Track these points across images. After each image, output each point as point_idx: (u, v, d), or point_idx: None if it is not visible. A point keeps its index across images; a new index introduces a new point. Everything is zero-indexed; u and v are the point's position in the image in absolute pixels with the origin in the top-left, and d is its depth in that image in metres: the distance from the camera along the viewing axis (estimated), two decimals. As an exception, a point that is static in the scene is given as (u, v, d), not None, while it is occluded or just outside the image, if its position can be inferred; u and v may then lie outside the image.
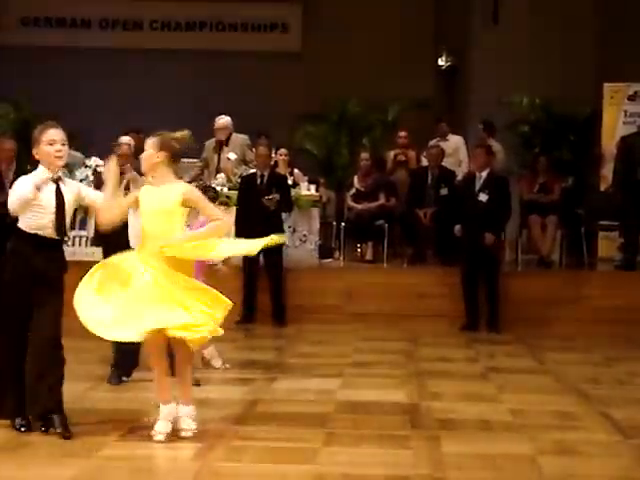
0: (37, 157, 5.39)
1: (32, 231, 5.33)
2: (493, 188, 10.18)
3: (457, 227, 10.27)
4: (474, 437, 5.62)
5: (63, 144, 5.36)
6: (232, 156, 11.22)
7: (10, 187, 10.48)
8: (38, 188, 5.28)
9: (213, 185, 10.63)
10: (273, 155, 11.34)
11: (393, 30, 16.16)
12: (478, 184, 10.25)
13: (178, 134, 5.46)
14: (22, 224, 5.35)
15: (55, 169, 5.36)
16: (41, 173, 5.35)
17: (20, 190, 5.28)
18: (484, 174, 10.27)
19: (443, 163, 11.78)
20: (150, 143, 5.40)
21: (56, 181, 5.38)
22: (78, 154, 12.23)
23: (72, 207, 5.50)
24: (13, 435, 5.42)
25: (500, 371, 7.95)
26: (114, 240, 9.92)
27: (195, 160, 11.53)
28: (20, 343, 5.34)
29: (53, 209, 5.34)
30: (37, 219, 5.32)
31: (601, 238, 12.20)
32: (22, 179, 5.38)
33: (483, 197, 10.16)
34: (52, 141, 5.31)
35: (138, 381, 6.95)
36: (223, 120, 11.48)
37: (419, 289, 10.70)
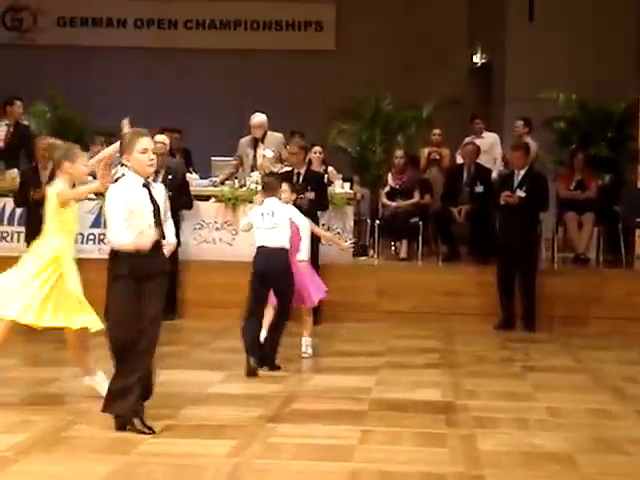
0: (127, 163, 5.46)
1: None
2: (531, 185, 10.11)
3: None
4: (511, 435, 5.59)
5: (154, 152, 5.52)
6: (268, 153, 11.23)
7: (47, 184, 10.70)
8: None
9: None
10: (308, 153, 11.33)
11: (427, 27, 16.13)
12: (516, 181, 10.19)
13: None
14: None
15: (146, 176, 5.45)
16: (132, 181, 5.42)
17: (123, 232, 5.36)
18: (522, 172, 10.21)
19: (477, 160, 11.72)
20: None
21: (146, 186, 5.46)
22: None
23: (163, 208, 5.56)
24: (54, 430, 5.47)
25: (536, 369, 7.91)
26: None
27: (229, 158, 11.57)
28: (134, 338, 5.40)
29: (150, 213, 5.41)
30: (137, 228, 5.38)
31: (638, 235, 12.06)
32: (115, 206, 5.40)
33: (520, 194, 10.09)
34: (145, 149, 5.40)
35: (174, 380, 6.98)
36: (259, 118, 11.51)
37: (454, 287, 10.67)
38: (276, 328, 7.67)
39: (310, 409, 6.20)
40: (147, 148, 5.41)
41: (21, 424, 5.59)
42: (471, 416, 6.06)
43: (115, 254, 5.47)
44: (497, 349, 9.06)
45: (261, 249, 7.55)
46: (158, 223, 5.43)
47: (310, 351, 8.20)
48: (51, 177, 10.49)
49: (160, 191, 5.57)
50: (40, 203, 10.34)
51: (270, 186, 7.84)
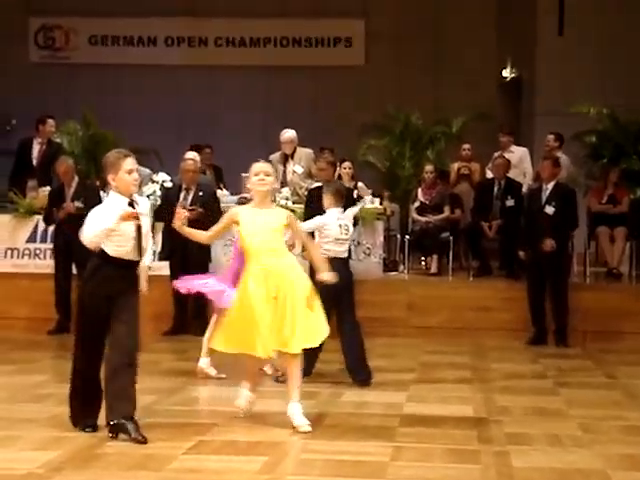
0: (112, 183, 5.62)
1: (116, 255, 5.60)
2: (560, 200, 10.05)
3: (521, 253, 10.17)
4: (544, 452, 5.54)
5: (137, 172, 5.71)
6: (298, 169, 11.27)
7: (72, 199, 10.77)
8: (124, 219, 5.51)
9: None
10: (337, 169, 11.35)
11: (456, 42, 16.13)
12: (544, 196, 10.13)
13: None
14: (107, 249, 5.60)
15: (130, 195, 5.63)
16: (117, 201, 5.60)
17: (100, 222, 5.48)
18: (550, 186, 10.15)
19: (507, 175, 11.68)
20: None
21: (131, 204, 5.63)
22: (146, 170, 12.44)
23: (148, 225, 5.79)
24: (86, 446, 5.49)
25: (569, 386, 7.84)
26: (181, 254, 10.14)
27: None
28: (98, 355, 5.67)
29: (134, 234, 5.61)
30: (121, 247, 5.59)
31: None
32: (97, 212, 5.60)
33: (549, 210, 10.03)
34: (130, 170, 5.61)
35: (206, 396, 6.99)
36: (289, 134, 11.55)
37: (485, 302, 10.62)
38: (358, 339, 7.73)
39: (342, 425, 6.19)
40: (132, 169, 5.61)
41: (53, 441, 5.62)
42: (503, 432, 6.02)
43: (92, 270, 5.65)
44: (529, 365, 9.00)
45: (340, 260, 7.50)
46: (138, 245, 5.61)
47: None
48: (75, 195, 10.66)
49: (144, 205, 5.79)
50: (64, 221, 10.55)
51: (341, 194, 7.72)
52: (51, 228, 11.12)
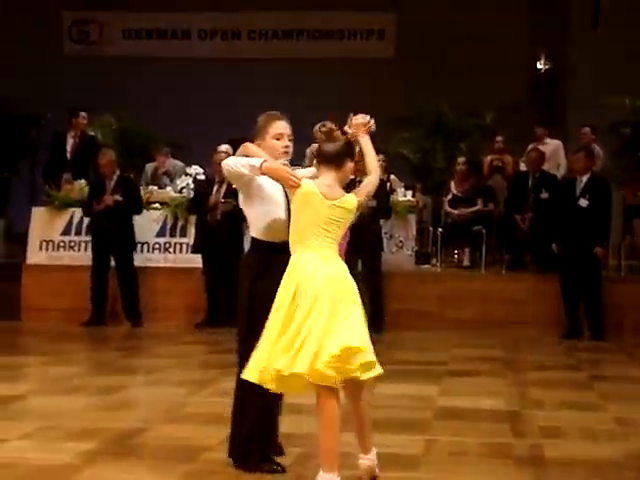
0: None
1: (268, 239, 4.64)
2: (594, 193, 9.97)
3: (554, 245, 10.11)
4: (578, 446, 5.51)
5: (290, 139, 4.79)
6: (333, 162, 11.25)
7: (112, 193, 10.88)
8: (264, 172, 4.45)
9: None
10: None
11: (489, 34, 16.02)
12: (578, 189, 10.06)
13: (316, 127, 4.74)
14: (256, 232, 4.68)
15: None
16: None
17: (246, 159, 4.54)
18: (584, 178, 10.07)
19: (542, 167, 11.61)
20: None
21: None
22: (179, 162, 12.51)
23: None
24: (120, 437, 5.53)
25: (603, 379, 7.79)
26: (214, 246, 10.18)
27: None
28: None
29: (281, 205, 4.63)
30: (271, 221, 4.61)
31: None
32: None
33: (583, 203, 9.95)
34: (280, 135, 4.73)
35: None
36: (325, 127, 11.54)
37: (518, 295, 10.58)
38: None
39: (373, 418, 6.16)
40: (282, 133, 4.75)
41: (88, 432, 5.66)
42: (537, 426, 5.99)
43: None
44: (563, 358, 8.95)
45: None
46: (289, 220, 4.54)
47: None
48: (115, 189, 10.74)
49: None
50: (103, 214, 10.65)
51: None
52: (86, 221, 11.21)
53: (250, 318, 4.59)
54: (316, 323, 4.28)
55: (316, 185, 4.47)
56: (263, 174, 4.50)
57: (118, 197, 10.58)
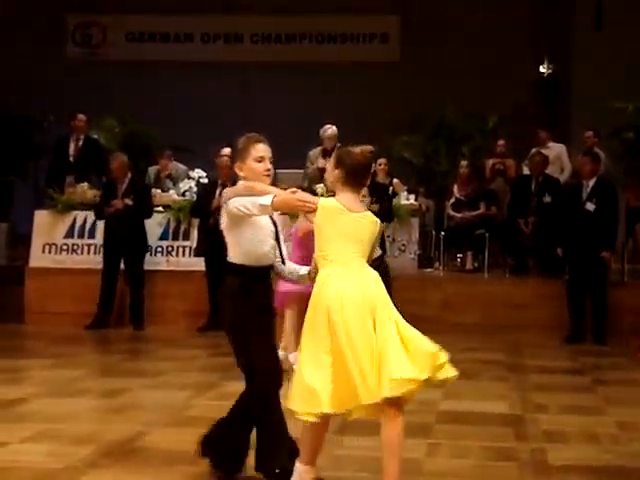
0: (240, 173, 4.73)
1: (252, 263, 4.64)
2: (600, 197, 9.95)
3: (559, 250, 10.11)
4: (581, 450, 5.50)
5: (271, 162, 4.79)
6: (336, 166, 11.25)
7: (123, 196, 10.87)
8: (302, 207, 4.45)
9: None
10: (372, 165, 11.33)
11: (492, 38, 16.04)
12: (585, 193, 10.04)
13: (358, 149, 4.67)
14: (239, 257, 4.65)
15: None
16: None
17: (252, 199, 4.50)
18: (591, 182, 10.06)
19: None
20: (332, 157, 4.69)
21: None
22: (182, 166, 12.51)
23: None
24: (122, 441, 5.53)
25: (606, 383, 7.78)
26: (217, 250, 10.18)
27: (297, 170, 11.61)
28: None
29: (269, 230, 4.70)
30: (258, 246, 4.64)
31: None
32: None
33: (590, 207, 9.93)
34: (261, 158, 4.69)
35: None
36: (332, 130, 11.57)
37: (521, 300, 10.56)
38: None
39: (376, 421, 6.16)
40: (264, 157, 4.71)
41: (91, 435, 5.66)
42: (540, 430, 5.99)
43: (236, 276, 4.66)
44: (566, 362, 8.94)
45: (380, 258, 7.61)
46: (279, 243, 4.74)
47: None
48: (126, 192, 10.75)
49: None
50: (114, 217, 10.65)
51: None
52: (89, 224, 11.23)
53: (254, 336, 4.63)
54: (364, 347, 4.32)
55: (337, 200, 4.48)
56: (275, 210, 4.55)
57: (128, 201, 10.58)
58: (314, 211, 4.42)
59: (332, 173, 4.59)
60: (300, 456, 4.58)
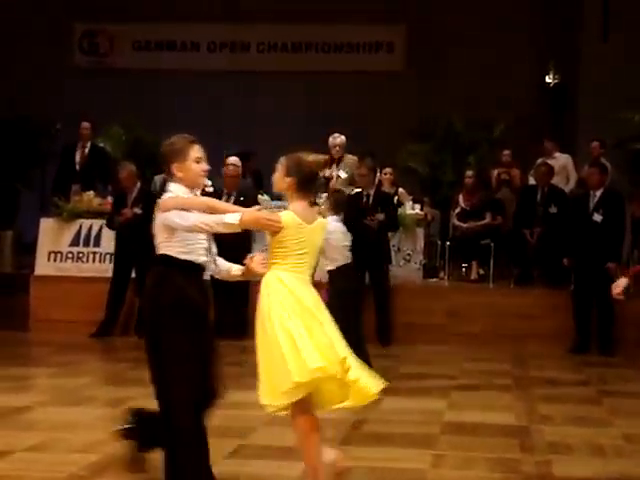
0: (178, 174, 4.71)
1: (183, 257, 4.66)
2: (608, 208, 9.94)
3: (565, 260, 10.10)
4: (586, 462, 5.49)
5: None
6: (342, 174, 11.28)
7: (132, 206, 10.87)
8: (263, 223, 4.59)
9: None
10: (378, 174, 11.35)
11: (498, 48, 16.03)
12: (592, 203, 10.03)
13: (311, 157, 4.77)
14: (171, 250, 4.67)
15: (198, 189, 4.83)
16: (181, 192, 4.69)
17: (216, 217, 4.58)
18: (598, 193, 10.04)
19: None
20: (280, 163, 4.76)
21: None
22: (188, 174, 12.48)
23: None
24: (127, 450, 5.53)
25: (612, 395, 7.76)
26: (223, 258, 10.17)
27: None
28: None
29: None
30: (191, 242, 4.67)
31: None
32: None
33: (597, 217, 9.92)
34: (199, 158, 4.73)
35: (245, 401, 7.00)
36: (340, 138, 11.58)
37: (526, 310, 10.54)
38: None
39: (381, 432, 6.17)
40: (201, 157, 4.76)
41: (96, 444, 5.65)
42: (545, 441, 5.97)
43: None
44: (572, 373, 8.92)
45: (349, 266, 7.56)
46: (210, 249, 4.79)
47: None
48: (135, 201, 10.76)
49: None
50: (126, 226, 10.65)
51: (340, 203, 7.80)
52: (94, 232, 11.26)
53: (187, 334, 4.55)
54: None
55: (294, 212, 4.56)
56: (242, 229, 4.61)
57: (137, 210, 10.59)
58: (280, 230, 4.51)
59: (283, 181, 4.67)
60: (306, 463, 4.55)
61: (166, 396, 4.50)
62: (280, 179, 4.70)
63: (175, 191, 4.68)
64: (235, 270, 4.89)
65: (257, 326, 4.52)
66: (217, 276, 4.95)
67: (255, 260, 4.76)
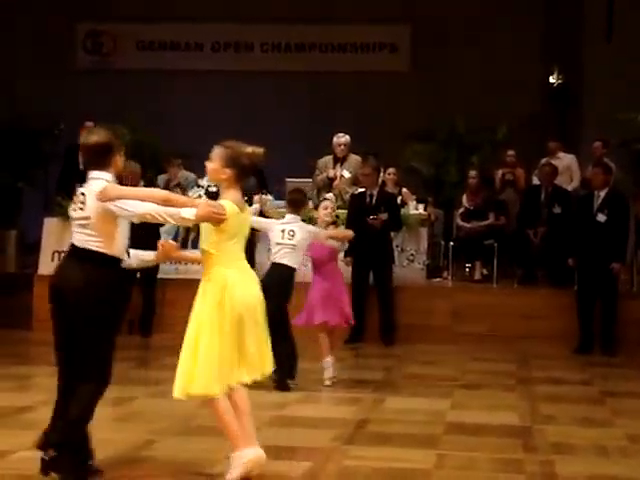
0: (114, 165, 4.82)
1: (117, 255, 4.78)
2: (612, 208, 9.93)
3: (570, 260, 10.09)
4: (590, 462, 5.48)
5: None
6: (346, 174, 11.28)
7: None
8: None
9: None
10: (381, 174, 11.35)
11: (502, 48, 16.02)
12: (596, 204, 10.01)
13: (249, 149, 4.91)
14: (112, 249, 4.74)
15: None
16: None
17: (172, 210, 4.68)
18: (602, 193, 10.03)
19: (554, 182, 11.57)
20: (216, 154, 4.88)
21: None
22: (191, 174, 12.51)
23: None
24: (131, 449, 5.52)
25: (615, 395, 7.75)
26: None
27: (305, 180, 11.60)
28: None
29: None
30: (124, 241, 4.81)
31: None
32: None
33: (601, 217, 9.90)
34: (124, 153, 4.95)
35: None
36: (345, 138, 11.59)
37: (529, 310, 10.53)
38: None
39: (384, 432, 6.16)
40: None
41: (100, 443, 5.64)
42: (549, 441, 5.96)
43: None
44: (575, 373, 8.91)
45: (277, 266, 7.49)
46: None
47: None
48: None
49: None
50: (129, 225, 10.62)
51: (295, 203, 7.73)
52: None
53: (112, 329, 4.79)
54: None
55: (231, 201, 4.77)
56: (196, 223, 4.75)
57: None
58: (224, 220, 4.68)
59: (222, 172, 4.82)
60: (232, 445, 4.80)
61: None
62: (218, 170, 4.85)
63: (112, 181, 4.72)
64: (147, 256, 5.13)
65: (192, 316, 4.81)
66: (128, 267, 5.01)
67: (167, 245, 5.06)
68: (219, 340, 4.72)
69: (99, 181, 4.68)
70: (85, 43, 17.82)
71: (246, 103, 16.73)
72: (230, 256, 4.80)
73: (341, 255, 10.38)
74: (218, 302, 4.74)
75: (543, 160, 12.18)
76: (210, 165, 4.87)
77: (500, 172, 12.97)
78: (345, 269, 10.27)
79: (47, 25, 16.96)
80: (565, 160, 12.52)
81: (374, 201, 10.46)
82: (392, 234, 10.62)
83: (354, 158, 11.58)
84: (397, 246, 10.90)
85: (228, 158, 4.82)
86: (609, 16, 15.11)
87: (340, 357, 8.43)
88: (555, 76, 16.58)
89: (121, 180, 10.90)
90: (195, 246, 11.09)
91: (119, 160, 4.81)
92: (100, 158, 4.72)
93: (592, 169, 10.61)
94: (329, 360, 7.74)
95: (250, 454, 4.79)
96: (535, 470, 5.26)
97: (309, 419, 6.56)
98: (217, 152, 4.87)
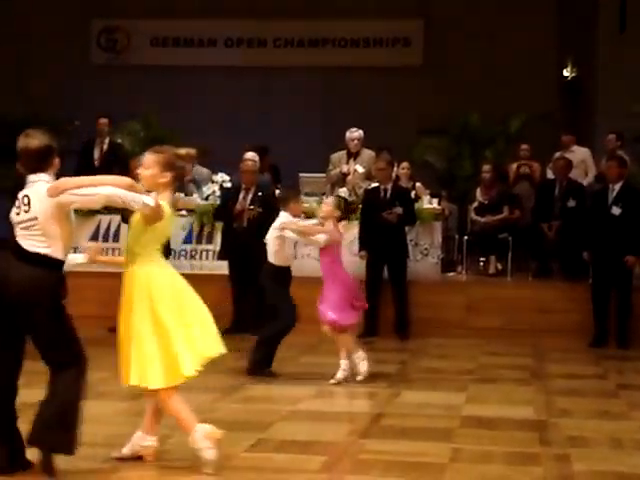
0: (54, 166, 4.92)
1: (62, 258, 5.08)
2: (627, 201, 9.90)
3: (585, 253, 10.07)
4: (605, 455, 5.49)
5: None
6: (360, 169, 11.28)
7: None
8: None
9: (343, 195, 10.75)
10: (395, 169, 11.35)
11: (515, 42, 15.99)
12: (611, 197, 9.99)
13: (183, 151, 5.06)
14: (58, 252, 5.00)
15: None
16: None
17: (135, 196, 4.81)
18: (617, 187, 10.00)
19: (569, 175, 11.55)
20: (152, 160, 4.96)
21: None
22: (205, 170, 12.53)
23: None
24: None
25: (631, 388, 7.74)
26: (240, 254, 10.21)
27: (319, 175, 11.61)
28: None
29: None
30: (67, 243, 5.13)
31: None
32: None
33: (616, 211, 9.88)
34: None
35: (265, 395, 7.02)
36: (358, 132, 11.58)
37: (544, 304, 10.52)
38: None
39: (400, 426, 6.18)
40: None
41: (115, 437, 5.68)
42: (564, 435, 5.97)
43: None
44: (590, 366, 8.90)
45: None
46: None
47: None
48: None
49: None
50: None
51: (280, 200, 7.90)
52: (113, 227, 11.33)
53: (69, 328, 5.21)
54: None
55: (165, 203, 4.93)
56: (152, 212, 4.82)
57: None
58: (160, 219, 4.87)
59: (161, 176, 4.92)
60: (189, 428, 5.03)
61: None
62: (157, 175, 4.92)
63: (52, 182, 4.79)
64: (79, 259, 5.47)
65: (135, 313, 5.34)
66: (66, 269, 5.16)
67: (94, 248, 5.51)
68: (174, 326, 5.22)
69: (40, 183, 4.79)
70: (99, 39, 17.86)
71: (259, 99, 16.75)
72: (154, 256, 5.03)
73: (355, 249, 10.42)
74: (149, 297, 5.10)
75: (557, 154, 12.15)
76: (147, 172, 4.93)
77: (515, 165, 12.93)
78: (360, 263, 10.30)
79: (62, 22, 17.02)
80: (579, 154, 12.48)
81: (388, 196, 10.47)
82: (406, 228, 10.62)
83: (367, 153, 11.58)
84: (411, 240, 10.90)
85: (165, 162, 4.92)
86: (622, 9, 15.04)
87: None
88: (569, 69, 16.53)
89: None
90: (210, 241, 11.25)
91: (57, 161, 4.90)
92: (42, 161, 4.80)
93: (607, 162, 10.57)
94: (362, 354, 7.72)
95: (204, 427, 5.03)
96: (551, 464, 5.27)
97: (325, 413, 6.59)
98: (152, 158, 4.95)
